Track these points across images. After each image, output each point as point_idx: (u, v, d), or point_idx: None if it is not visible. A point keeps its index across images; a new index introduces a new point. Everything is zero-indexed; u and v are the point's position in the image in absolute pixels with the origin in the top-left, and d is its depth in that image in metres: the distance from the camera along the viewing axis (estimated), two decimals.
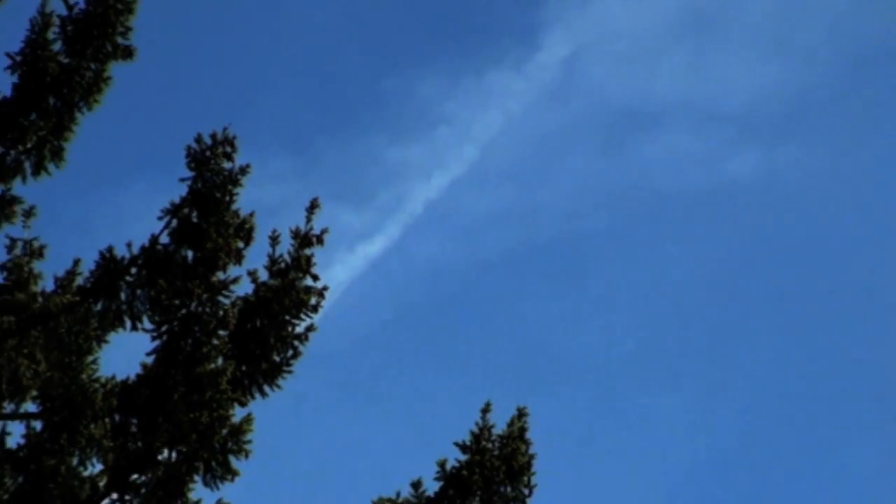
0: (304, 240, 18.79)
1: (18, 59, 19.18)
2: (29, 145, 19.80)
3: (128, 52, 19.68)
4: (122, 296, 19.27)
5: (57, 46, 19.56)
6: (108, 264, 19.26)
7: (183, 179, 18.96)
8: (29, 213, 19.46)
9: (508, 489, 18.47)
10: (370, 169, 39.77)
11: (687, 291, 46.23)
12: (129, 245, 19.05)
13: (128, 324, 19.11)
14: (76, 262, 19.13)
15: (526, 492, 18.22)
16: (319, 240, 18.86)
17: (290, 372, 18.62)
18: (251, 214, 18.82)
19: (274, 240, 18.71)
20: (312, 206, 18.90)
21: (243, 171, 19.04)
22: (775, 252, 47.54)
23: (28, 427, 18.71)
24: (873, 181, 48.54)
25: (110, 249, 19.53)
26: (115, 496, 18.71)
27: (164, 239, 19.08)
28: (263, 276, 18.61)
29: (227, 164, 19.10)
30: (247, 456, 18.12)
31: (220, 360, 18.58)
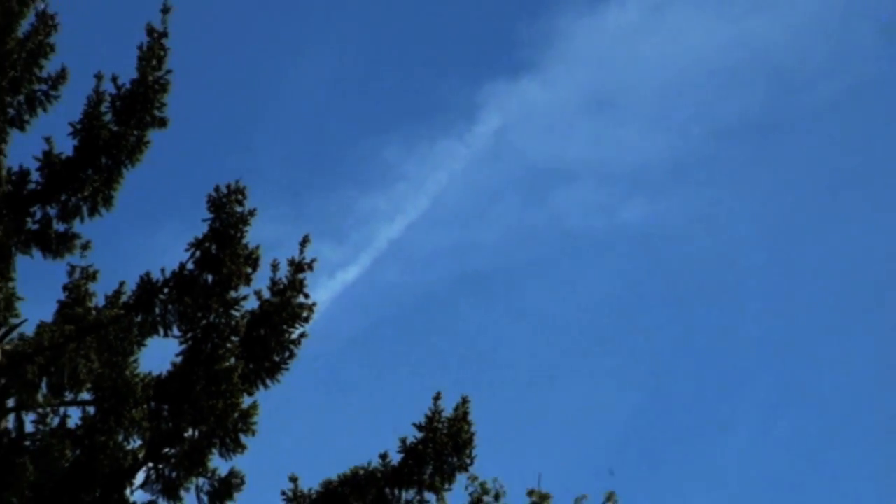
0: (298, 267, 22.19)
1: (78, 127, 23.02)
2: (86, 193, 23.39)
3: (163, 122, 23.38)
4: (157, 310, 22.39)
5: (108, 117, 23.17)
6: (146, 285, 22.51)
7: (205, 220, 22.14)
8: (85, 246, 23.26)
9: (455, 459, 21.83)
10: (346, 214, 47.48)
11: (591, 310, 55.45)
12: (162, 270, 22.35)
13: (161, 332, 22.33)
14: (121, 284, 22.74)
15: (468, 461, 21.77)
16: (310, 267, 22.23)
17: (287, 369, 22.08)
18: (257, 247, 21.96)
19: (274, 267, 22.09)
20: (304, 242, 22.22)
21: (251, 213, 22.28)
22: (657, 279, 56.80)
23: (84, 411, 22.29)
24: (734, 227, 58.25)
25: (148, 274, 22.80)
26: (150, 465, 22.03)
27: (190, 266, 22.24)
28: (266, 294, 22.10)
29: (238, 209, 22.15)
30: (253, 434, 21.80)
31: (232, 360, 21.69)
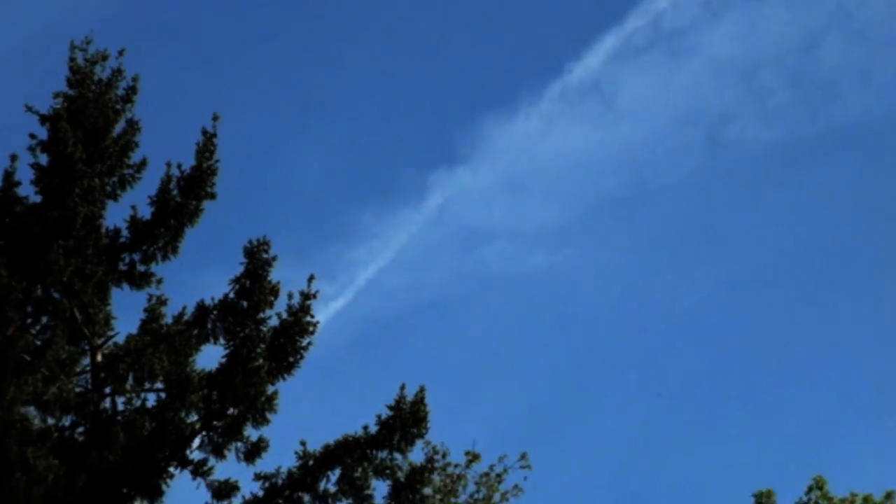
0: (306, 297, 28.30)
1: (154, 199, 29.68)
2: (159, 245, 29.78)
3: (213, 196, 29.74)
4: (209, 326, 28.85)
5: (175, 192, 29.57)
6: (201, 309, 29.00)
7: (241, 263, 28.63)
8: (159, 281, 29.76)
9: (414, 430, 28.06)
10: (337, 261, 55.74)
11: (506, 329, 67.43)
12: (212, 298, 28.76)
13: (211, 341, 29.01)
14: (184, 308, 29.36)
15: (424, 431, 28.23)
16: (314, 296, 28.31)
17: (298, 367, 28.43)
18: (278, 283, 28.41)
19: (290, 296, 28.29)
20: (310, 279, 28.47)
21: (273, 259, 28.65)
22: (553, 309, 69.31)
23: (157, 396, 28.88)
24: (607, 273, 70.33)
25: (202, 301, 29.24)
26: (204, 433, 28.23)
27: (231, 295, 28.76)
28: (284, 315, 28.32)
29: (265, 256, 28.42)
30: (275, 412, 28.21)
31: (260, 361, 27.80)
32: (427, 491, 33.54)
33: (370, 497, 28.12)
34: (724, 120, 68.09)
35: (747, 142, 68.32)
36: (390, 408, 27.99)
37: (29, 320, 28.52)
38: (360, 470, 28.15)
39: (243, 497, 28.03)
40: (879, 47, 67.98)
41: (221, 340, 28.76)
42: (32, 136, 29.35)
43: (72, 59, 30.11)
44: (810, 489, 43.45)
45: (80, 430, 28.31)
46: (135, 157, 30.06)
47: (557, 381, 66.47)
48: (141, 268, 29.66)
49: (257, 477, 28.16)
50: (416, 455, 29.69)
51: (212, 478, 28.18)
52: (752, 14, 65.53)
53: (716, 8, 63.92)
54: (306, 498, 28.33)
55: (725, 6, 63.40)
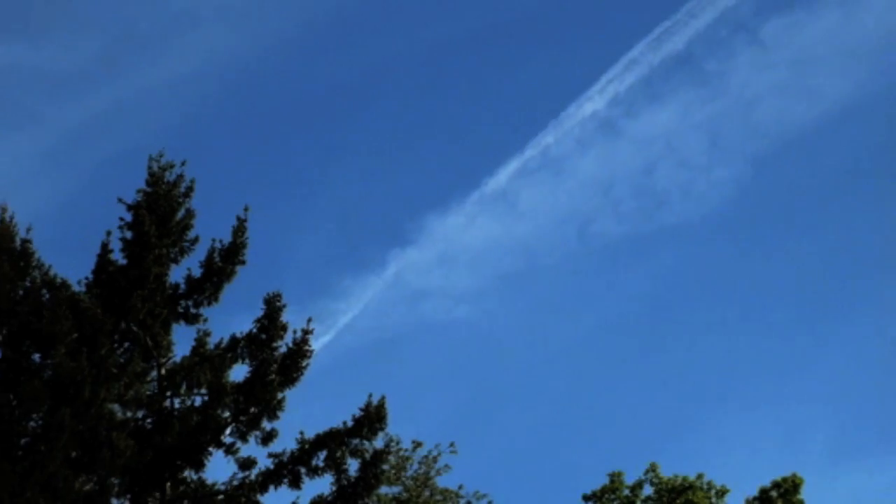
0: (305, 332, 32.10)
1: (203, 262, 32.91)
2: (206, 294, 33.14)
3: (243, 262, 32.84)
4: (238, 351, 32.39)
5: (217, 259, 32.88)
6: (234, 340, 32.51)
7: (261, 308, 32.37)
8: (205, 320, 32.92)
9: (377, 425, 31.92)
10: (325, 311, 55.15)
11: (440, 361, 72.65)
12: (241, 333, 32.29)
13: (240, 361, 32.55)
14: (221, 339, 32.73)
15: (384, 426, 31.89)
16: (311, 333, 32.08)
17: (299, 381, 32.04)
18: (287, 322, 32.01)
19: (294, 332, 31.90)
20: (309, 321, 32.11)
21: (283, 307, 32.33)
22: (472, 347, 74.55)
23: (202, 399, 32.18)
24: (512, 324, 76.34)
25: (234, 334, 32.56)
26: (234, 424, 31.54)
27: (255, 331, 32.52)
28: (290, 344, 32.07)
29: (278, 304, 32.42)
30: (283, 410, 31.66)
31: (274, 376, 31.70)
32: (385, 467, 35.56)
33: (346, 470, 31.92)
34: (589, 220, 75.30)
35: (605, 235, 75.77)
36: (361, 410, 32.14)
37: (116, 345, 32.23)
38: (340, 452, 32.02)
39: (259, 469, 31.95)
40: (697, 170, 74.94)
41: (247, 361, 33.01)
42: (122, 219, 33.15)
43: (149, 167, 33.93)
44: (647, 471, 47.20)
45: (149, 420, 32.29)
46: (190, 235, 34.00)
47: (474, 392, 72.59)
48: (193, 310, 33.73)
49: (270, 455, 32.04)
50: (379, 442, 33.44)
51: (238, 455, 32.23)
52: (608, 147, 72.45)
53: (585, 143, 70.30)
54: (303, 470, 31.74)
55: (591, 142, 69.69)
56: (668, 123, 70.48)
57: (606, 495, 47.81)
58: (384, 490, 41.49)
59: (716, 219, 77.53)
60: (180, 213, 33.65)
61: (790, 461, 62.83)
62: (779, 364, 74.20)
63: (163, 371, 32.68)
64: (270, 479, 31.70)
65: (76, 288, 32.64)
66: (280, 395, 32.04)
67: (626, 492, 47.71)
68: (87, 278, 32.97)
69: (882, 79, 75.29)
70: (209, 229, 34.04)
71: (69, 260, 34.07)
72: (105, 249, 32.97)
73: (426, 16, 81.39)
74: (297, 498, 31.90)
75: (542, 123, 66.02)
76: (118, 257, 33.13)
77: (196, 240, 33.62)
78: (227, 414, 32.16)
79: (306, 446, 31.93)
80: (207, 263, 33.43)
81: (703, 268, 79.17)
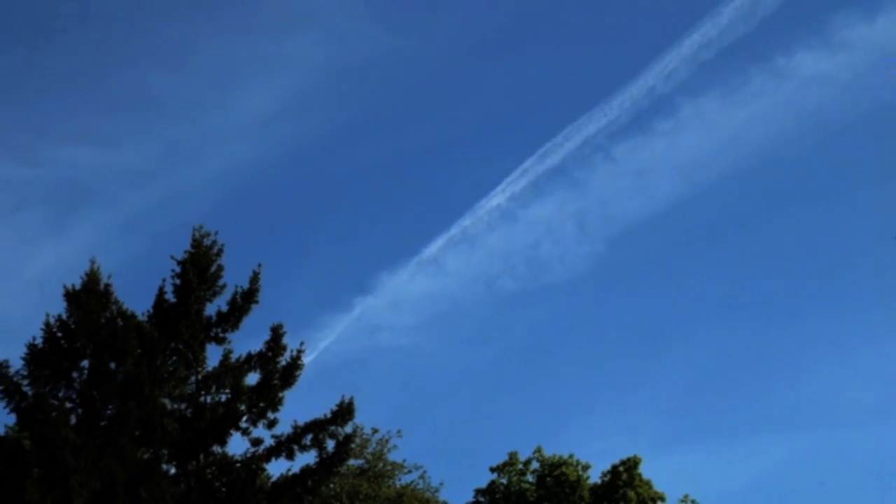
0: (299, 352, 33.89)
1: (228, 301, 33.62)
2: (230, 324, 33.71)
3: (257, 302, 33.41)
4: (252, 364, 33.47)
5: (239, 299, 33.51)
6: (249, 356, 33.51)
7: (269, 334, 33.58)
8: (230, 342, 33.69)
9: (348, 416, 33.12)
10: (311, 338, 52.30)
11: (389, 375, 74.48)
12: (254, 351, 33.08)
13: (254, 371, 33.36)
14: (240, 356, 33.47)
15: (353, 417, 32.88)
16: (303, 352, 33.88)
17: (294, 385, 33.63)
18: (286, 344, 33.46)
19: (291, 351, 33.65)
20: (301, 343, 33.96)
21: (284, 333, 33.61)
22: (414, 366, 76.56)
23: (226, 396, 32.98)
24: (442, 349, 78.93)
25: (250, 352, 33.40)
26: (247, 415, 32.82)
27: (263, 349, 33.50)
28: (288, 360, 33.74)
29: (281, 332, 33.83)
30: (283, 404, 33.36)
31: (277, 381, 33.33)
32: (352, 446, 37.49)
33: (325, 448, 33.52)
34: (494, 279, 79.93)
35: (505, 290, 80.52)
36: (336, 406, 34.00)
37: (167, 358, 33.64)
38: (321, 435, 33.84)
39: (265, 446, 33.50)
40: (569, 246, 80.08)
41: (258, 371, 34.37)
42: (173, 270, 34.50)
43: (193, 235, 35.10)
44: (534, 451, 49.37)
45: (189, 410, 33.61)
46: (220, 282, 35.15)
47: (413, 395, 75.60)
48: (221, 335, 34.93)
49: (273, 436, 33.75)
50: (348, 428, 34.91)
51: (251, 436, 33.79)
52: (508, 229, 76.45)
53: (492, 225, 73.94)
54: (295, 447, 33.43)
55: (496, 225, 73.43)
56: (549, 214, 75.12)
57: (507, 468, 50.08)
58: (351, 462, 42.81)
59: (580, 280, 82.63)
60: (213, 268, 34.87)
61: (632, 445, 68.17)
62: (624, 379, 79.05)
63: (199, 377, 33.95)
64: (273, 453, 33.60)
65: (140, 318, 33.80)
66: (281, 395, 33.98)
67: (520, 466, 49.85)
68: (148, 311, 34.16)
69: (695, 185, 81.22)
70: (234, 278, 35.10)
71: (137, 298, 34.98)
72: (161, 291, 34.36)
73: (394, 126, 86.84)
74: (291, 466, 33.58)
75: (462, 211, 70.18)
76: (170, 297, 34.41)
77: (224, 286, 34.89)
78: (243, 407, 33.75)
79: (298, 430, 33.78)
80: (232, 302, 34.80)
81: (572, 313, 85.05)
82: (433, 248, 67.40)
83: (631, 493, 47.86)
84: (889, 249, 72.17)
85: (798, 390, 76.67)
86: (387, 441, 47.05)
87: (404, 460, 48.00)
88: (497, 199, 67.03)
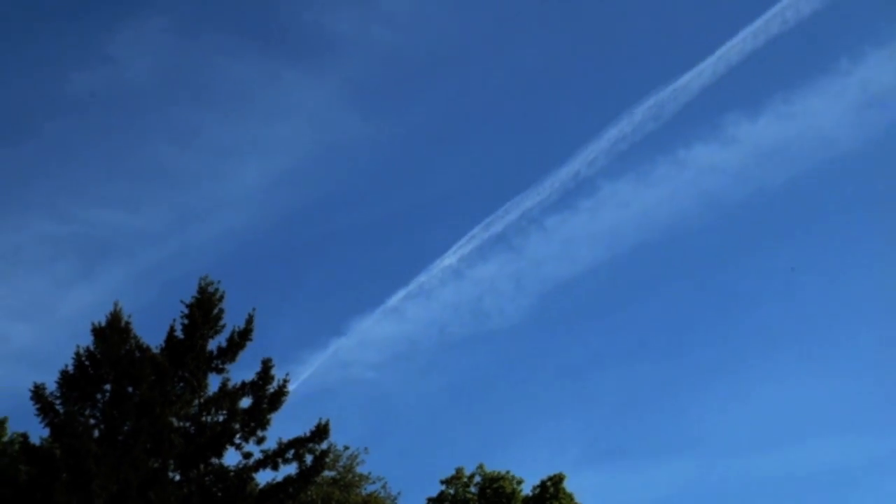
0: (285, 381, 34.12)
1: (228, 337, 33.62)
2: (228, 357, 33.47)
3: (251, 339, 33.35)
4: (246, 391, 33.39)
5: (236, 337, 33.56)
6: (243, 385, 33.27)
7: (260, 366, 33.50)
8: (228, 372, 33.52)
9: (324, 435, 33.00)
10: (294, 371, 52.78)
11: (357, 401, 72.63)
12: (247, 380, 32.94)
13: (247, 397, 33.36)
14: (235, 384, 33.19)
15: (328, 436, 32.72)
16: (288, 381, 34.08)
17: (280, 409, 33.83)
18: (274, 374, 33.58)
19: (278, 381, 33.94)
20: (287, 374, 34.08)
21: (273, 367, 33.61)
22: (375, 392, 75.19)
23: (223, 417, 32.86)
24: (396, 382, 78.02)
25: (244, 381, 33.27)
26: (240, 433, 32.82)
27: (254, 379, 33.39)
28: (276, 388, 33.77)
29: (270, 365, 33.67)
30: (271, 425, 33.56)
31: (265, 405, 33.56)
32: (327, 460, 36.50)
33: (305, 461, 33.77)
34: (446, 326, 78.99)
35: (455, 334, 79.91)
36: (314, 427, 34.41)
37: (176, 384, 33.91)
38: (301, 450, 34.07)
39: (255, 459, 33.62)
40: (508, 300, 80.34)
41: (250, 396, 34.46)
42: (182, 312, 34.75)
43: (199, 283, 35.34)
44: (477, 468, 49.12)
45: (192, 428, 33.74)
46: (221, 323, 35.36)
47: (378, 419, 74.35)
48: (220, 366, 34.98)
49: (261, 451, 33.91)
50: (324, 445, 34.85)
51: (243, 450, 33.93)
52: (458, 285, 75.52)
53: (444, 281, 73.15)
54: (280, 460, 33.61)
55: (447, 281, 72.79)
56: (491, 273, 75.15)
57: (454, 480, 49.63)
58: (326, 473, 42.14)
59: (516, 328, 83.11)
60: (215, 311, 35.16)
61: (558, 464, 69.36)
62: (551, 409, 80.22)
63: (201, 400, 34.09)
64: (261, 464, 33.88)
65: (154, 350, 34.05)
66: (269, 417, 34.38)
67: (465, 479, 49.48)
68: (160, 345, 34.46)
69: (612, 252, 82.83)
70: (232, 319, 35.37)
71: (151, 335, 35.06)
72: (171, 329, 34.76)
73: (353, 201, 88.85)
74: (276, 476, 33.85)
75: (420, 270, 70.23)
76: (179, 334, 34.64)
77: (224, 326, 35.19)
78: (237, 426, 33.97)
79: (282, 446, 34.11)
80: (230, 339, 35.02)
81: (509, 354, 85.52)
82: (395, 300, 67.45)
83: None
84: (766, 312, 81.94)
85: (696, 420, 79.69)
86: (355, 456, 46.45)
87: (369, 473, 47.32)
88: (448, 260, 67.66)
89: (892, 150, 79.34)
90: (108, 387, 33.23)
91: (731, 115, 74.97)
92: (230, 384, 34.46)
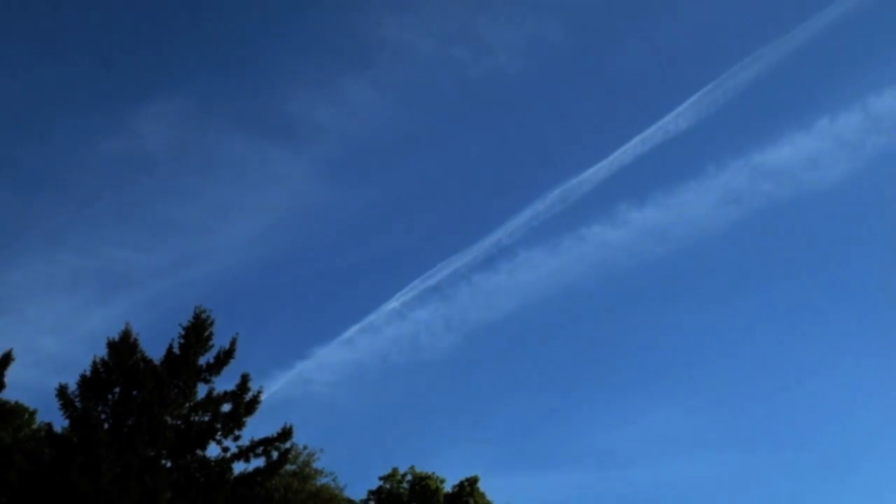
0: (259, 392, 34.49)
1: (214, 357, 34.13)
2: (215, 372, 33.82)
3: (234, 357, 33.59)
4: (228, 398, 33.92)
5: (222, 355, 33.97)
6: (226, 393, 33.60)
7: (240, 380, 33.92)
8: (213, 383, 33.77)
9: (288, 435, 33.40)
10: (267, 385, 57.15)
11: (321, 411, 74.56)
12: (229, 390, 33.42)
13: (228, 403, 33.65)
14: (219, 392, 33.80)
15: (291, 436, 33.23)
16: (262, 393, 34.59)
17: (254, 413, 34.31)
18: (251, 386, 34.13)
19: (253, 392, 34.34)
20: (261, 387, 34.55)
21: (251, 381, 34.34)
22: (335, 410, 75.75)
23: (209, 419, 33.33)
24: (347, 403, 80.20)
25: (227, 389, 33.75)
26: (220, 431, 33.09)
27: (233, 389, 33.87)
28: (253, 395, 34.25)
29: (248, 381, 34.05)
30: (246, 427, 33.88)
31: (242, 409, 33.90)
32: (290, 456, 36.70)
33: (272, 456, 34.37)
34: (387, 355, 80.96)
35: (395, 363, 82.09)
36: (280, 430, 35.00)
37: (171, 389, 34.26)
38: (270, 448, 34.72)
39: (231, 452, 34.07)
40: (439, 337, 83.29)
41: (230, 402, 34.91)
42: (179, 333, 35.07)
43: (194, 311, 35.91)
44: (409, 469, 50.23)
45: (183, 426, 34.12)
46: (210, 343, 35.65)
47: (330, 428, 74.55)
48: (208, 377, 35.36)
49: (237, 447, 34.57)
50: (287, 444, 35.22)
51: (223, 445, 34.50)
52: (399, 325, 78.09)
53: (389, 322, 76.36)
54: (251, 455, 34.12)
55: (391, 322, 75.90)
56: (427, 316, 78.75)
57: (390, 478, 50.66)
58: (288, 466, 42.22)
59: (445, 359, 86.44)
60: (206, 333, 35.63)
61: (474, 468, 69.56)
62: (469, 423, 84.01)
63: (191, 404, 34.79)
64: (236, 457, 34.46)
65: (155, 363, 34.73)
66: (244, 420, 35.02)
67: (399, 477, 50.63)
68: (160, 358, 35.12)
69: (525, 304, 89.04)
70: (220, 340, 36.00)
71: (154, 350, 35.56)
72: (170, 346, 35.40)
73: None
74: (247, 467, 34.51)
75: (370, 311, 74.34)
76: (176, 350, 35.23)
77: (212, 345, 35.72)
78: (219, 426, 34.73)
79: (254, 444, 34.71)
80: (217, 357, 35.53)
81: (438, 380, 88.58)
82: (349, 333, 70.84)
83: (471, 501, 48.94)
84: (647, 355, 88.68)
85: (590, 438, 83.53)
86: (312, 455, 46.63)
87: (323, 468, 47.44)
88: (393, 304, 71.44)
89: (744, 235, 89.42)
90: (117, 389, 33.87)
91: (622, 203, 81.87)
92: (215, 392, 35.18)
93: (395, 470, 50.54)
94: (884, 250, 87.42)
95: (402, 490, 49.54)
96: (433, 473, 50.01)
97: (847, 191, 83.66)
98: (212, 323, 35.79)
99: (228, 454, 34.30)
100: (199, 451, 33.99)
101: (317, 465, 46.08)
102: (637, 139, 70.21)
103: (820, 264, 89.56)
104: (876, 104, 74.32)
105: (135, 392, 33.79)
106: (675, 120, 69.19)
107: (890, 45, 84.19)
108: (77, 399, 33.57)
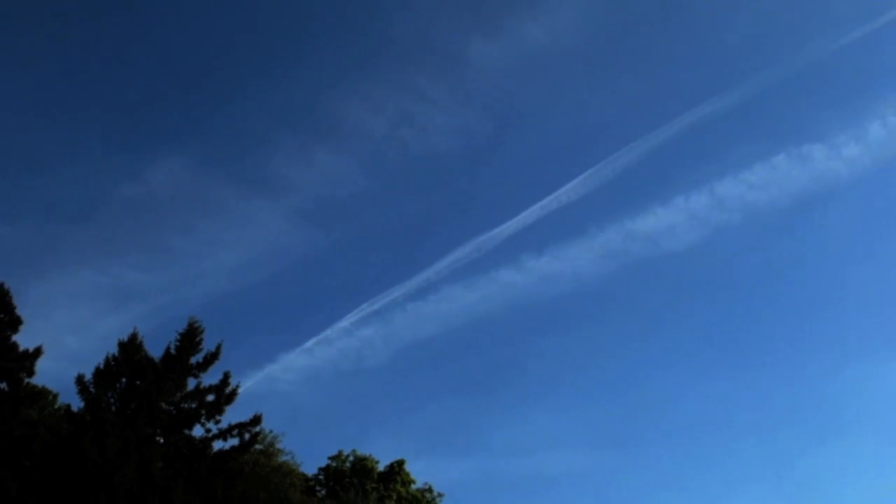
0: (236, 387, 35.22)
1: (203, 358, 34.94)
2: (203, 370, 34.36)
3: (218, 358, 34.29)
4: (212, 391, 34.48)
5: (210, 356, 34.72)
6: (210, 387, 34.20)
7: (222, 377, 34.60)
8: (201, 377, 34.68)
9: (258, 420, 34.05)
10: (243, 383, 52.05)
11: (285, 411, 74.74)
12: (213, 384, 33.97)
13: (212, 396, 34.06)
14: (206, 385, 34.50)
15: (261, 422, 34.17)
16: (238, 388, 35.30)
17: (233, 403, 35.11)
18: (230, 381, 34.79)
19: (231, 386, 34.94)
20: (238, 383, 35.37)
21: (231, 378, 34.97)
22: (300, 408, 75.92)
23: (196, 406, 34.12)
24: (317, 410, 79.77)
25: (211, 383, 34.48)
26: (204, 419, 33.73)
27: (217, 384, 34.61)
28: (232, 388, 34.91)
29: (229, 378, 34.77)
30: (224, 414, 34.58)
31: (223, 399, 34.57)
32: (259, 437, 38.42)
33: (244, 438, 35.20)
34: (338, 362, 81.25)
35: (343, 369, 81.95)
36: (252, 417, 36.01)
37: (168, 383, 35.02)
38: (243, 430, 35.54)
39: (213, 433, 34.82)
40: (376, 351, 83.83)
41: (213, 394, 35.46)
42: (176, 339, 35.53)
43: (189, 320, 36.64)
44: (351, 452, 50.79)
45: (174, 411, 34.98)
46: (201, 347, 36.40)
47: (296, 420, 74.26)
48: (198, 374, 36.06)
49: (218, 429, 35.33)
50: (257, 428, 35.98)
51: (206, 427, 35.33)
52: (349, 339, 78.41)
53: (345, 336, 76.83)
54: (229, 435, 34.84)
55: (347, 336, 76.39)
56: (369, 334, 78.71)
57: (336, 458, 51.15)
58: (256, 446, 41.65)
59: (382, 368, 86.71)
60: (198, 338, 36.48)
61: (401, 452, 69.34)
62: (398, 417, 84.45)
63: (182, 394, 35.57)
64: (216, 437, 35.36)
65: (155, 360, 35.55)
66: (224, 408, 35.82)
67: (343, 457, 51.21)
68: (160, 357, 35.87)
69: (447, 327, 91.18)
70: (208, 344, 36.87)
71: (155, 350, 36.16)
72: (168, 348, 36.20)
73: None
74: (224, 445, 35.26)
75: (325, 328, 75.26)
76: (173, 351, 36.05)
77: (202, 349, 36.53)
78: (203, 412, 35.62)
79: (231, 427, 35.54)
80: (205, 357, 36.35)
81: (376, 383, 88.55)
82: (309, 344, 71.28)
83: (399, 478, 50.23)
84: (537, 371, 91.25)
85: (486, 433, 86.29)
86: (276, 437, 45.24)
87: (284, 448, 46.67)
88: (344, 324, 72.78)
89: (616, 283, 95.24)
90: (124, 380, 34.79)
91: (524, 253, 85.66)
92: (202, 385, 36.25)
93: (340, 452, 51.28)
94: (720, 305, 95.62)
95: (345, 468, 50.22)
96: (370, 455, 50.93)
97: (696, 254, 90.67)
98: (202, 331, 36.77)
99: (210, 434, 35.24)
100: (186, 431, 35.00)
101: (279, 445, 45.50)
102: (538, 205, 76.39)
103: (670, 308, 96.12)
104: (720, 188, 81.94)
105: (138, 382, 34.86)
106: (567, 192, 75.74)
107: (732, 143, 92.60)
108: (91, 386, 34.60)
